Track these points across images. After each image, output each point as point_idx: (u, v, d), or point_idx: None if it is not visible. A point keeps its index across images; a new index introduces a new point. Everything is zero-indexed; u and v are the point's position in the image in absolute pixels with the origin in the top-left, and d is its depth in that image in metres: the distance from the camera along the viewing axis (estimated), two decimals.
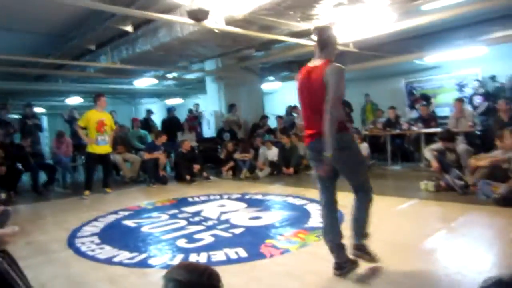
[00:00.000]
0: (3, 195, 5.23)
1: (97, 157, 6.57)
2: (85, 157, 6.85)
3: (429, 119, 7.92)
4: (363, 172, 3.08)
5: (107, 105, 6.91)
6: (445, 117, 8.54)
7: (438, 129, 7.06)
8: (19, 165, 7.10)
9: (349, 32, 5.74)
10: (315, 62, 2.85)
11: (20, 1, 5.27)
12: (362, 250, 2.86)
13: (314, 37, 2.96)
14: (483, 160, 5.00)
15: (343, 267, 2.78)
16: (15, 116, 10.71)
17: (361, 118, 10.45)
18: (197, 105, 12.09)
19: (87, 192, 6.49)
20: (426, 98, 9.10)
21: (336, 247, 2.84)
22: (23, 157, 7.20)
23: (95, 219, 4.84)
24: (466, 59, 8.67)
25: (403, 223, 4.03)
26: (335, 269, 2.78)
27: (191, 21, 4.73)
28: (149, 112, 11.10)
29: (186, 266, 1.42)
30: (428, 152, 5.86)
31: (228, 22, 4.99)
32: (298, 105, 3.26)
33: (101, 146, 6.51)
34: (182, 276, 1.32)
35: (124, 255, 3.44)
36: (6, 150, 6.76)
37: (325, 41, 2.90)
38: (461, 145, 5.76)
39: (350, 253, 2.85)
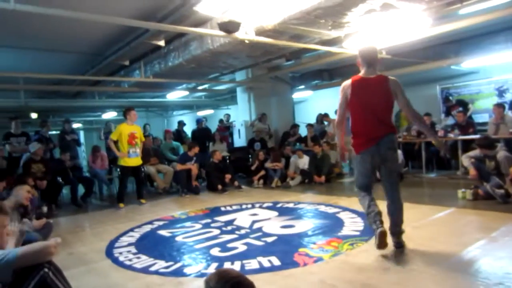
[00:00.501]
0: (45, 209, 5.44)
1: (130, 170, 6.76)
2: (120, 170, 7.04)
3: (467, 125, 7.68)
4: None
5: (137, 118, 7.10)
6: (484, 123, 8.27)
7: (476, 136, 6.83)
8: (59, 179, 7.36)
9: (381, 38, 5.67)
10: (370, 74, 3.38)
11: (60, 24, 5.53)
12: None
13: (361, 53, 3.46)
14: None
15: None
16: (54, 132, 11.21)
17: (395, 125, 10.22)
18: (227, 115, 12.24)
19: (121, 204, 6.68)
20: (463, 104, 8.82)
21: None
22: (63, 171, 7.49)
23: (131, 230, 4.96)
24: (505, 63, 8.38)
25: (440, 232, 3.90)
26: None
27: (222, 33, 4.83)
28: (181, 123, 11.31)
29: (220, 273, 1.44)
30: (466, 160, 5.67)
31: (259, 33, 5.05)
32: (354, 110, 3.45)
33: (133, 158, 6.69)
34: (212, 282, 1.37)
35: (160, 264, 3.50)
36: (47, 165, 7.02)
37: (374, 59, 3.44)
38: (501, 152, 5.54)
39: None
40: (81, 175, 7.96)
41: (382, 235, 3.18)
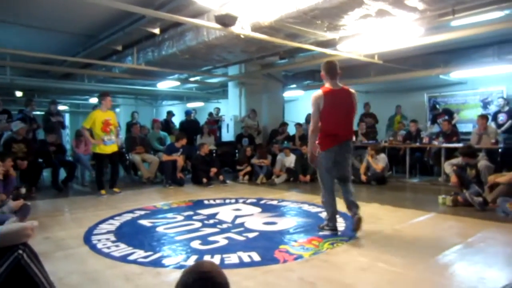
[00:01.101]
0: (24, 190, 5.33)
1: (106, 157, 6.58)
2: (94, 158, 6.87)
3: (451, 134, 7.82)
4: None
5: (112, 104, 6.90)
6: (468, 133, 8.45)
7: (460, 144, 6.97)
8: (41, 161, 7.23)
9: (374, 43, 5.73)
10: (336, 86, 3.93)
11: (54, 2, 5.44)
12: None
13: (326, 68, 3.95)
14: (504, 177, 4.91)
15: None
16: (38, 112, 10.99)
17: (387, 129, 10.34)
18: (217, 109, 12.21)
19: (103, 191, 6.55)
20: (449, 113, 8.97)
21: None
22: (45, 153, 7.36)
23: (112, 217, 4.90)
24: (492, 76, 8.57)
25: (419, 235, 3.98)
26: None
27: (218, 26, 4.81)
28: (170, 114, 11.23)
29: (194, 264, 1.45)
30: (448, 167, 5.81)
31: (255, 29, 5.04)
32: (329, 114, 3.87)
33: (109, 145, 6.50)
34: (183, 272, 1.38)
35: (139, 254, 3.48)
36: (29, 145, 6.88)
37: (336, 73, 3.96)
38: (482, 161, 5.67)
39: None
40: (63, 158, 7.83)
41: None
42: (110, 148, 6.55)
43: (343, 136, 3.92)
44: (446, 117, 8.63)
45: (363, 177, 7.43)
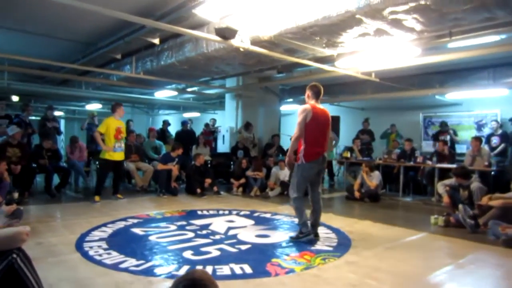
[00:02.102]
0: (16, 195, 5.29)
1: (112, 164, 6.71)
2: (100, 164, 6.95)
3: (445, 155, 7.89)
4: None
5: (124, 113, 7.08)
6: (462, 154, 8.51)
7: (453, 165, 7.03)
8: (34, 166, 7.20)
9: (372, 61, 5.81)
10: (318, 106, 4.38)
11: (54, 9, 5.47)
12: None
13: (314, 90, 4.41)
14: (497, 200, 4.95)
15: None
16: (33, 118, 10.96)
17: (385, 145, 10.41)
18: (213, 120, 12.25)
19: (97, 198, 6.58)
20: (454, 131, 9.09)
21: None
22: (40, 158, 7.31)
23: (104, 225, 4.88)
24: (487, 98, 8.72)
25: (410, 255, 3.99)
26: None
27: (218, 39, 4.86)
28: (166, 123, 11.25)
29: (189, 271, 1.46)
30: (441, 187, 5.84)
31: (254, 42, 5.11)
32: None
33: (118, 153, 6.70)
34: (175, 281, 1.40)
35: (130, 262, 3.47)
36: (23, 150, 6.86)
37: (320, 94, 4.42)
38: (475, 183, 5.72)
39: None
40: (58, 164, 7.80)
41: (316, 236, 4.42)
42: (119, 155, 6.73)
43: (324, 150, 4.36)
44: (448, 137, 8.86)
45: (357, 194, 7.45)
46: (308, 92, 4.43)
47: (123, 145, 6.80)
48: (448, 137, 8.97)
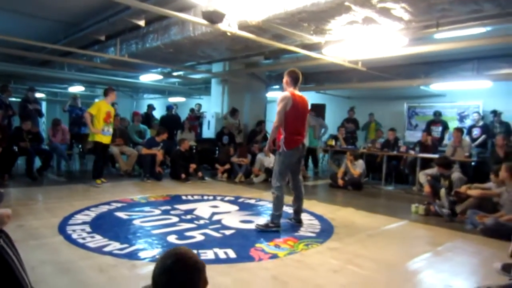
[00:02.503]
0: None
1: (102, 146, 6.68)
2: (93, 147, 6.87)
3: (428, 145, 8.02)
4: None
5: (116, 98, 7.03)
6: (443, 145, 8.66)
7: (435, 155, 7.16)
8: (15, 148, 7.06)
9: (359, 50, 5.82)
10: (297, 92, 4.31)
11: None
12: None
13: (293, 76, 4.31)
14: (475, 190, 5.07)
15: None
16: (14, 99, 10.69)
17: (365, 136, 10.54)
18: (199, 105, 12.16)
19: (99, 181, 6.59)
20: (444, 126, 9.18)
21: None
22: (21, 141, 7.17)
23: (87, 208, 4.84)
24: (470, 90, 8.85)
25: (391, 242, 4.08)
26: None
27: (205, 22, 4.79)
28: (151, 107, 11.13)
29: (168, 251, 1.46)
30: (423, 176, 5.96)
31: (242, 27, 5.05)
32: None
33: (106, 136, 6.68)
34: (160, 259, 1.41)
35: (114, 246, 3.46)
36: (3, 131, 6.72)
37: (299, 81, 4.34)
38: (456, 173, 5.85)
39: None
40: (39, 147, 7.65)
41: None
42: (107, 138, 6.72)
43: (303, 137, 4.38)
44: (440, 128, 8.94)
45: (340, 182, 7.54)
46: (286, 78, 4.34)
47: (111, 129, 6.77)
48: (440, 128, 9.09)
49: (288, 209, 5.38)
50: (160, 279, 1.36)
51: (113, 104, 9.78)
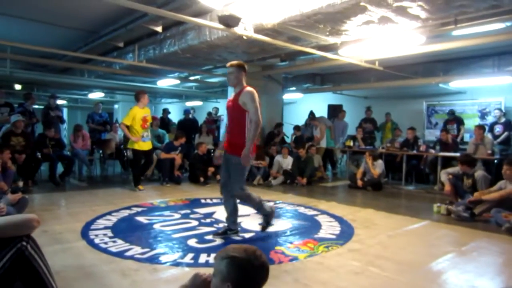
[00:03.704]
0: (21, 183, 5.32)
1: (142, 154, 6.71)
2: (132, 155, 6.90)
3: (448, 144, 7.88)
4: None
5: (149, 101, 6.97)
6: (465, 143, 8.50)
7: (456, 154, 7.03)
8: (39, 155, 7.23)
9: (376, 50, 5.77)
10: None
11: None
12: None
13: (245, 70, 3.95)
14: (493, 194, 4.89)
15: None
16: (37, 106, 10.96)
17: (380, 136, 10.44)
18: (216, 108, 12.23)
19: (141, 187, 6.74)
20: (458, 122, 9.05)
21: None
22: (44, 147, 7.35)
23: (109, 213, 4.93)
24: (491, 87, 8.66)
25: (412, 242, 4.02)
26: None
27: (221, 27, 4.83)
28: (166, 111, 11.30)
29: (238, 246, 1.50)
30: (444, 175, 5.84)
31: (257, 30, 5.07)
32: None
33: (146, 142, 6.69)
34: (237, 253, 1.43)
35: (135, 250, 3.51)
36: (27, 138, 6.88)
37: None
38: (479, 171, 5.70)
39: None
40: (62, 153, 7.83)
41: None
42: (147, 144, 6.73)
43: (228, 137, 3.98)
44: (455, 125, 8.80)
45: (359, 182, 7.47)
46: (243, 72, 3.92)
47: (149, 133, 6.75)
48: (455, 126, 8.95)
49: (307, 212, 5.36)
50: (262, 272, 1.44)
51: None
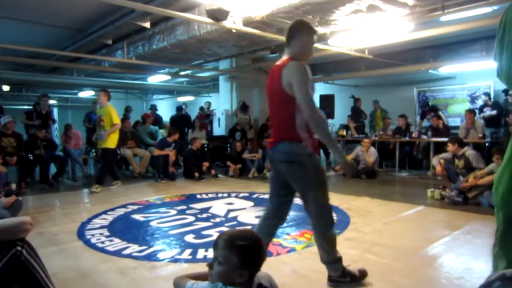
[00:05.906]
0: (14, 186, 5.27)
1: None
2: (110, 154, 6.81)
3: (440, 129, 7.94)
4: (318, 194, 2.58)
5: (107, 100, 6.76)
6: (456, 127, 8.58)
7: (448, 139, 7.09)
8: (31, 156, 7.16)
9: (365, 38, 5.78)
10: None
11: None
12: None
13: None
14: (486, 178, 4.95)
15: None
16: (26, 107, 10.86)
17: (369, 125, 10.48)
18: (208, 103, 12.19)
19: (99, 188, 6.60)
20: (434, 110, 9.10)
21: None
22: (36, 149, 7.28)
23: (104, 212, 4.91)
24: (480, 71, 8.71)
25: (408, 228, 4.06)
26: None
27: (209, 21, 4.80)
28: (153, 107, 11.31)
29: (239, 234, 1.52)
30: (435, 159, 5.90)
31: (246, 23, 5.05)
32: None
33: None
34: (244, 241, 1.45)
35: (133, 248, 3.50)
36: (19, 140, 6.82)
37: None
38: (469, 150, 5.73)
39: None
40: (53, 153, 7.76)
41: None
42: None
43: (272, 133, 2.76)
44: (432, 114, 8.80)
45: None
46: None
47: (102, 132, 6.55)
48: (432, 114, 8.99)
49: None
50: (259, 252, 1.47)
51: (126, 107, 9.97)
